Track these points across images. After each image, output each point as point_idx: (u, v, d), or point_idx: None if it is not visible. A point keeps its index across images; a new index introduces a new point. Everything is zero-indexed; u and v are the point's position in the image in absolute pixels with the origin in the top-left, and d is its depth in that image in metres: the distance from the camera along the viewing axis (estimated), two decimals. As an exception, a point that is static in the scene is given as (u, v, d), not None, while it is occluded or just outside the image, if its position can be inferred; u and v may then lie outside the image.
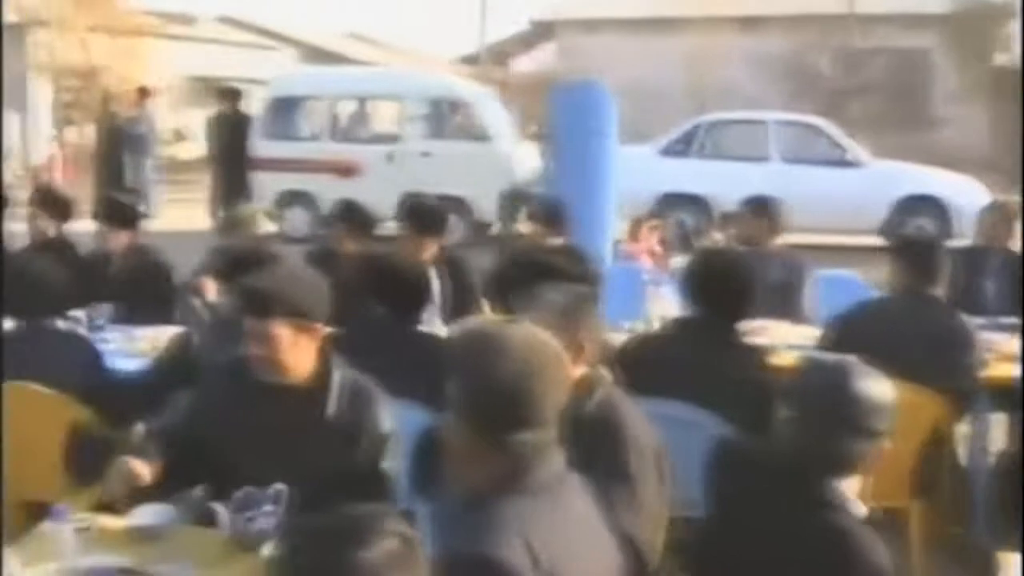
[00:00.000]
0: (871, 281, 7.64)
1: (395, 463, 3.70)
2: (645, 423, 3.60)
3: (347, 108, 19.70)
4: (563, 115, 10.87)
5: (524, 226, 9.14)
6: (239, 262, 5.13)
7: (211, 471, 3.68)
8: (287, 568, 2.09)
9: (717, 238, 11.40)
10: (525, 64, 41.09)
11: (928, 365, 5.03)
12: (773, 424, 4.62)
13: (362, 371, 3.85)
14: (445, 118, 18.45)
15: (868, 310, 5.78)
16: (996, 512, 4.91)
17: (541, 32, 40.33)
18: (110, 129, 18.72)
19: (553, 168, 11.36)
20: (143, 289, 6.83)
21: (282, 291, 3.60)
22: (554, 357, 2.62)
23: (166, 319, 6.54)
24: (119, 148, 18.40)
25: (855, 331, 5.47)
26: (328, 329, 4.46)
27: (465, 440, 2.61)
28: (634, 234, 10.33)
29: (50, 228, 7.41)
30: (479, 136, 17.41)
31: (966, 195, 15.30)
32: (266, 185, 17.40)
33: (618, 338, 5.60)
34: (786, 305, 6.83)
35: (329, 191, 15.90)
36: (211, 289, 6.24)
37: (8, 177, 17.98)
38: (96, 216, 7.15)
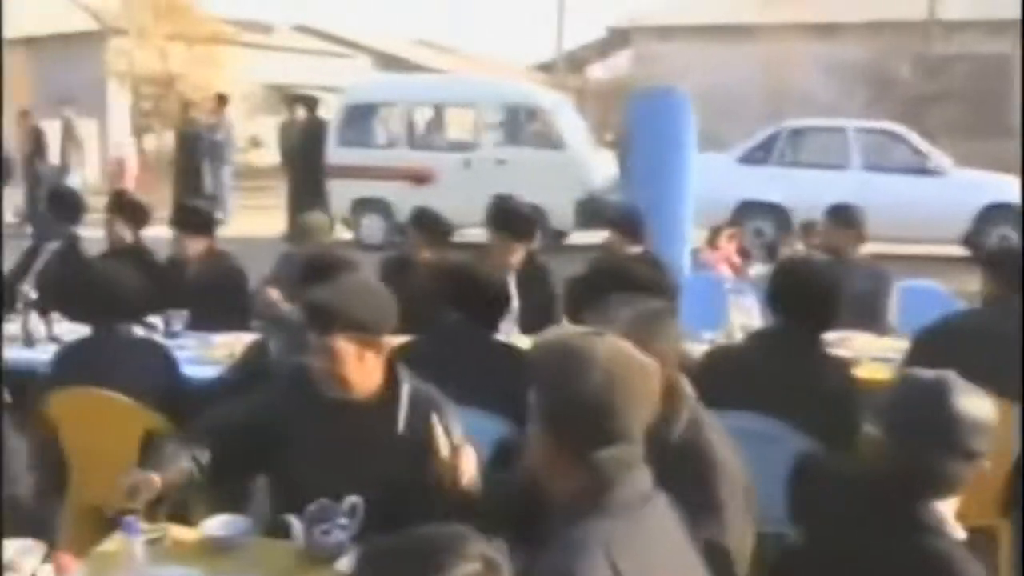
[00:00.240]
0: (952, 291, 7.48)
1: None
2: (731, 447, 3.47)
3: (423, 115, 19.68)
4: (641, 122, 10.79)
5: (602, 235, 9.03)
6: (308, 270, 5.08)
7: (276, 482, 3.61)
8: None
9: (797, 247, 11.23)
10: (600, 71, 40.93)
11: (1017, 378, 4.88)
12: (859, 439, 4.50)
13: (437, 380, 3.77)
14: (521, 125, 18.41)
15: (955, 322, 5.61)
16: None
17: (617, 39, 40.17)
18: (188, 136, 18.93)
19: (630, 176, 11.27)
20: (219, 296, 6.81)
21: (345, 306, 3.51)
22: (640, 370, 2.51)
23: (242, 326, 6.53)
24: (197, 155, 18.62)
25: (942, 344, 5.31)
26: (397, 340, 4.40)
27: (548, 454, 2.52)
28: (712, 242, 10.22)
29: (127, 234, 7.42)
30: (555, 143, 17.32)
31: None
32: (341, 192, 17.42)
33: (698, 349, 5.50)
34: (869, 316, 6.69)
35: (404, 198, 15.86)
36: (276, 297, 6.23)
37: (82, 183, 18.11)
38: (172, 223, 7.13)
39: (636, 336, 3.08)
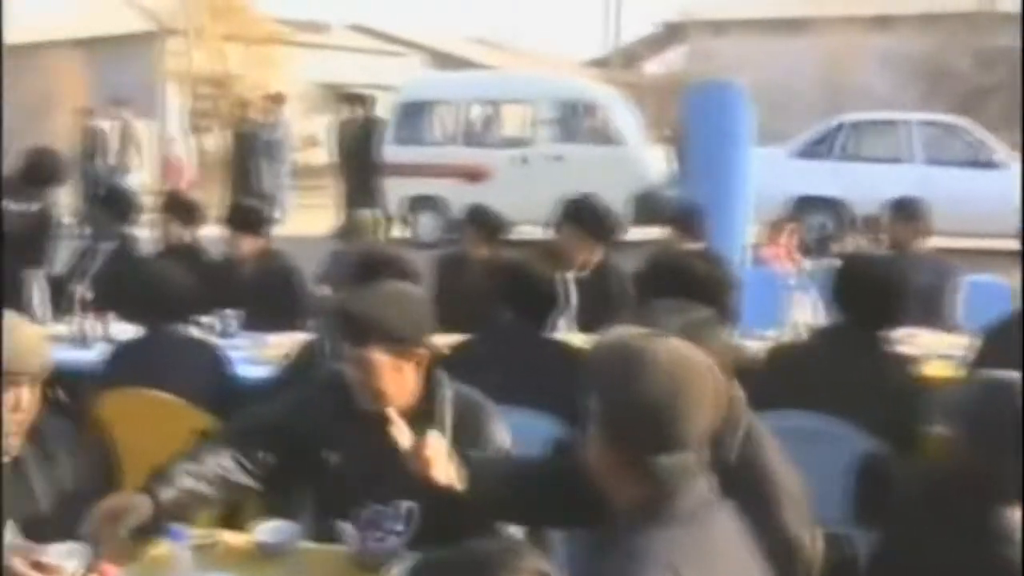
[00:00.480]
0: (1017, 287, 7.31)
1: None
2: (785, 461, 3.31)
3: (478, 112, 19.61)
4: (697, 117, 10.63)
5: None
6: (358, 269, 5.00)
7: (317, 488, 3.51)
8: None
9: (857, 242, 11.08)
10: (655, 66, 40.86)
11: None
12: (925, 440, 4.38)
13: (489, 379, 3.68)
14: (577, 121, 18.30)
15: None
16: None
17: (671, 34, 40.08)
18: (244, 136, 18.97)
19: (686, 171, 11.14)
20: (273, 295, 6.77)
21: (381, 316, 3.35)
22: (702, 374, 2.40)
23: (296, 325, 6.49)
24: (253, 154, 18.65)
25: (1010, 341, 5.17)
26: (452, 339, 4.31)
27: (606, 461, 2.42)
28: (772, 238, 10.06)
29: (181, 234, 7.42)
30: (610, 139, 17.23)
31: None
32: (396, 190, 17.41)
33: (758, 347, 5.40)
34: (933, 312, 6.56)
35: (458, 196, 15.80)
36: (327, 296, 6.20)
37: (139, 183, 18.19)
38: (226, 222, 7.11)
39: None
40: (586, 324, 6.23)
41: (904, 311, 4.81)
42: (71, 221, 16.59)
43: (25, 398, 3.08)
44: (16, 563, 2.84)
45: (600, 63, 39.95)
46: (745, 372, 3.55)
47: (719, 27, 36.24)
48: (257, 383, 5.44)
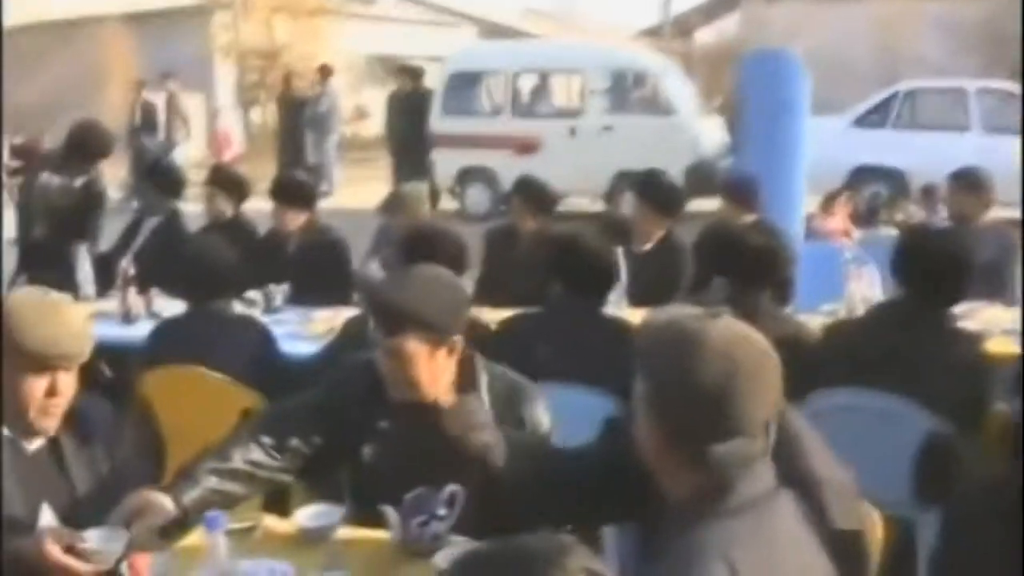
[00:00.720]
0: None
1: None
2: (824, 449, 3.14)
3: (527, 82, 19.42)
4: (752, 86, 10.43)
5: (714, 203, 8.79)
6: (408, 244, 4.89)
7: (356, 473, 3.41)
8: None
9: (916, 213, 10.85)
10: (707, 35, 40.42)
11: None
12: (989, 417, 4.23)
13: (542, 355, 3.57)
14: (628, 91, 18.06)
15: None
16: None
17: (724, 2, 39.63)
18: (292, 108, 18.97)
19: (741, 142, 10.95)
20: (320, 270, 6.69)
21: (416, 305, 3.21)
22: (761, 355, 2.25)
23: (343, 300, 6.41)
24: (301, 127, 18.64)
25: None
26: (503, 314, 4.19)
27: (658, 450, 2.29)
28: (828, 209, 9.89)
29: (227, 208, 7.34)
30: (663, 109, 16.99)
31: None
32: (446, 162, 17.27)
33: (816, 322, 5.25)
34: (996, 286, 6.38)
35: (509, 167, 15.58)
36: (376, 270, 6.10)
37: (186, 157, 18.21)
38: (272, 195, 7.02)
39: None
40: (647, 299, 6.10)
41: (968, 286, 4.64)
42: (120, 196, 16.65)
43: (62, 382, 2.99)
44: (50, 549, 2.76)
45: (652, 32, 39.59)
46: (801, 349, 3.44)
47: (772, -6, 35.83)
48: (303, 359, 5.36)
